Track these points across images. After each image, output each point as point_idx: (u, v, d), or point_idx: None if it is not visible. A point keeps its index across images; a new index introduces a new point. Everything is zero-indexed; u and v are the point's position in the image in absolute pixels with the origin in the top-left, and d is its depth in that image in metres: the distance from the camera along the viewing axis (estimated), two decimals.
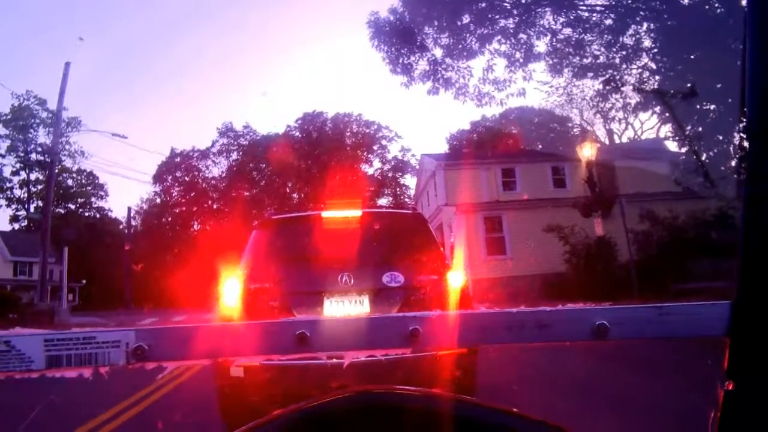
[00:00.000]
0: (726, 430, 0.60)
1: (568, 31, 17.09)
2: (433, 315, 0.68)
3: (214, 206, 50.09)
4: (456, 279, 4.06)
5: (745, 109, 0.63)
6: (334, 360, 3.41)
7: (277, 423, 0.70)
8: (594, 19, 16.84)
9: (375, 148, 53.58)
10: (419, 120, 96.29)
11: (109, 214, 53.79)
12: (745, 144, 0.63)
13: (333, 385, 0.76)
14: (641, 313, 0.67)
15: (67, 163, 48.32)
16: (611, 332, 0.66)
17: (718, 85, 13.21)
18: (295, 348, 0.69)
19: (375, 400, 0.70)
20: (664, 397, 4.80)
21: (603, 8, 16.77)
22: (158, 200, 51.96)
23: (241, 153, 51.50)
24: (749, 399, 0.59)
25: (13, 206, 49.95)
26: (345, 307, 3.88)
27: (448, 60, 17.32)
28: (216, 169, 52.06)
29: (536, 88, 33.33)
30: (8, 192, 49.44)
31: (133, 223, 45.28)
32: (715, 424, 0.61)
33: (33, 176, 49.44)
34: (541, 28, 17.03)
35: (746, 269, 0.61)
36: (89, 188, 53.00)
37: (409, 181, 50.47)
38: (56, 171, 30.81)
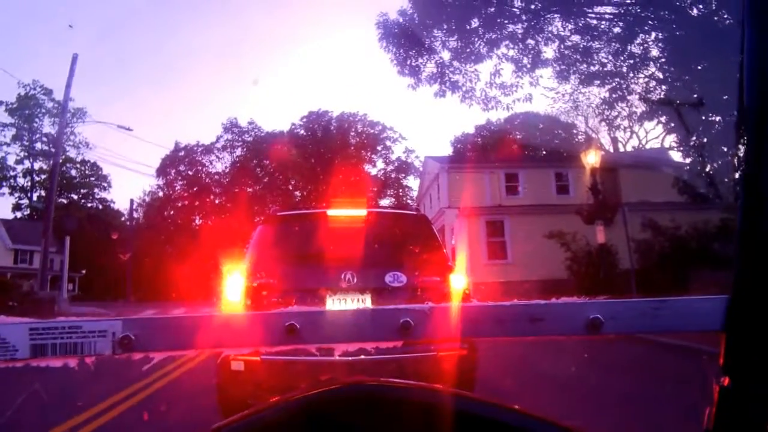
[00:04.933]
0: (722, 426, 0.59)
1: (576, 38, 17.05)
2: (424, 308, 0.67)
3: (217, 201, 50.10)
4: (458, 281, 4.06)
5: (743, 107, 0.62)
6: (337, 357, 3.37)
7: (273, 411, 0.69)
8: (602, 27, 16.79)
9: (379, 148, 53.56)
10: (424, 122, 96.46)
11: (112, 205, 54.04)
12: (742, 143, 0.62)
13: (322, 378, 0.75)
14: (636, 307, 0.65)
15: (71, 153, 48.57)
16: (605, 326, 0.64)
17: (725, 97, 13.15)
18: (285, 339, 0.67)
19: (367, 391, 0.69)
20: (659, 394, 4.78)
21: (612, 16, 16.73)
22: (161, 193, 52.04)
23: (245, 149, 51.50)
24: (745, 394, 0.59)
25: (16, 195, 50.20)
26: (347, 306, 3.88)
27: (455, 63, 17.30)
28: (219, 164, 52.15)
29: (543, 94, 33.44)
30: (11, 180, 49.64)
31: (135, 215, 45.41)
32: (711, 420, 0.60)
33: (37, 165, 49.71)
34: (550, 35, 16.99)
35: (743, 263, 0.60)
36: (92, 179, 53.16)
37: (412, 182, 50.49)
38: (60, 161, 30.82)
